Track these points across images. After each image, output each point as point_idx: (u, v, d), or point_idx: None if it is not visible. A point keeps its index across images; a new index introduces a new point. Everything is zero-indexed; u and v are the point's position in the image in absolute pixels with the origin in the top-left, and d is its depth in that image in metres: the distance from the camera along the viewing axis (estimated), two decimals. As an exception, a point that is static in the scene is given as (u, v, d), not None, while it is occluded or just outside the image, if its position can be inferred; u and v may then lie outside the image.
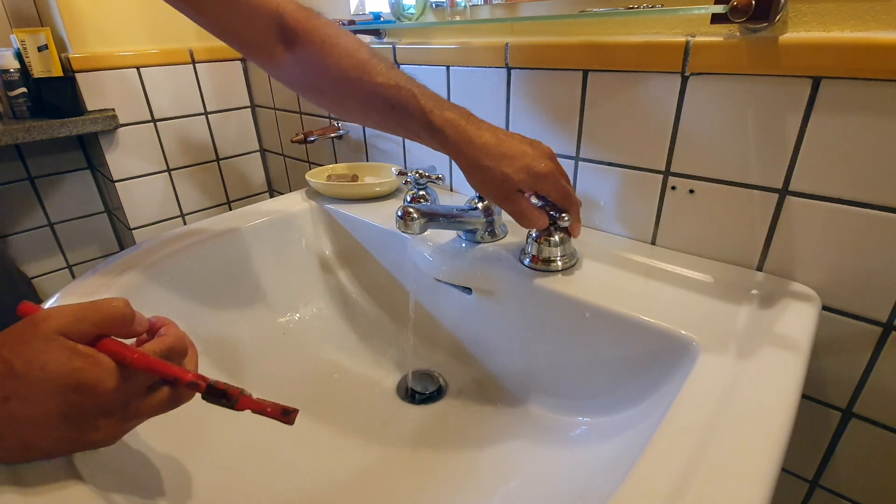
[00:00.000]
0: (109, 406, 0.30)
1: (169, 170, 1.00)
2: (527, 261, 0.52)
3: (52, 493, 0.31)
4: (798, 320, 0.41)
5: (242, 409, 0.33)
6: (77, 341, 0.29)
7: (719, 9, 0.40)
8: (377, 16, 0.70)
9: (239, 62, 1.04)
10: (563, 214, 0.50)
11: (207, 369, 0.56)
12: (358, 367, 0.61)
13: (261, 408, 0.34)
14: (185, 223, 1.05)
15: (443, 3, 0.64)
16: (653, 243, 0.55)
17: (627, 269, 0.50)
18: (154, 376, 0.32)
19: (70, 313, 0.29)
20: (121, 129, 0.92)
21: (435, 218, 0.50)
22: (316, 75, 0.49)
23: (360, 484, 0.46)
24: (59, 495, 0.31)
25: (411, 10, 0.65)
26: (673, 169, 0.50)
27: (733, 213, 0.48)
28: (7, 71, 0.82)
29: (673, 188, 0.51)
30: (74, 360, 0.28)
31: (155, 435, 0.46)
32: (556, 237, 0.50)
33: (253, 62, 0.52)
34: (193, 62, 0.97)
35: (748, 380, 0.35)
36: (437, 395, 0.56)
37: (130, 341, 0.34)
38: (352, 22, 0.72)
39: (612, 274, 0.50)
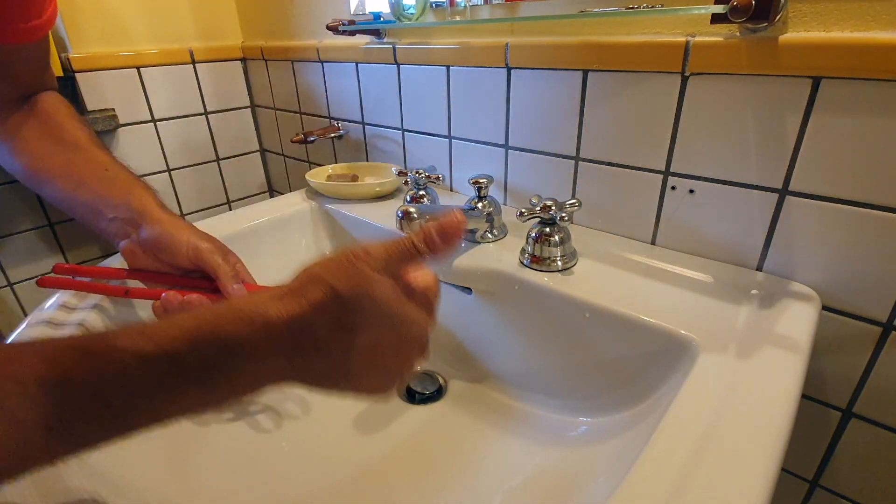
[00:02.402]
0: (426, 339, 0.31)
1: (169, 170, 1.00)
2: (527, 261, 0.52)
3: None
4: (798, 320, 0.41)
5: None
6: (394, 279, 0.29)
7: (719, 9, 0.39)
8: (377, 16, 0.70)
9: (239, 62, 1.04)
10: (563, 214, 0.50)
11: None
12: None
13: None
14: (185, 223, 1.05)
15: (443, 3, 0.64)
16: (653, 243, 0.55)
17: (627, 269, 0.50)
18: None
19: (383, 254, 0.29)
20: (121, 129, 0.92)
21: (435, 218, 0.50)
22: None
23: (360, 484, 0.45)
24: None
25: (411, 10, 0.65)
26: (673, 169, 0.50)
27: (733, 214, 0.48)
28: (7, 71, 0.82)
29: (673, 188, 0.51)
30: (400, 296, 0.29)
31: (155, 432, 0.46)
32: (556, 237, 0.50)
33: None
34: (193, 62, 0.97)
35: (748, 380, 0.35)
36: (437, 395, 0.56)
37: None
38: (352, 22, 0.72)
39: (612, 274, 0.50)
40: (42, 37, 0.48)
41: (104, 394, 0.24)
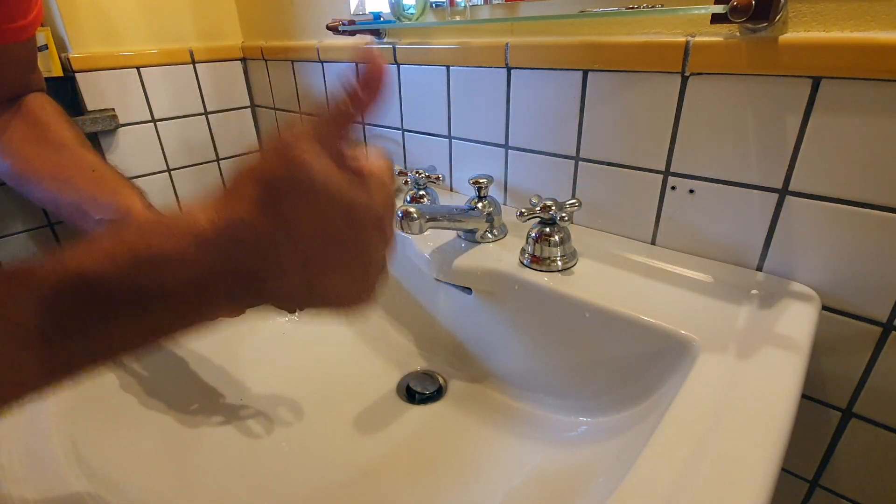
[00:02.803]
0: (386, 226, 0.28)
1: (169, 170, 1.00)
2: (526, 260, 0.52)
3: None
4: (798, 320, 0.41)
5: None
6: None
7: (719, 9, 0.39)
8: (377, 16, 0.70)
9: (239, 62, 1.04)
10: (563, 214, 0.50)
11: (207, 369, 0.56)
12: (358, 367, 0.61)
13: None
14: (185, 223, 1.05)
15: (443, 3, 0.64)
16: (653, 243, 0.55)
17: (627, 269, 0.50)
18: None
19: (311, 131, 0.25)
20: (121, 129, 0.92)
21: (435, 218, 0.50)
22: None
23: (360, 484, 0.45)
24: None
25: (411, 10, 0.65)
26: (673, 169, 0.50)
27: (733, 214, 0.48)
28: (7, 71, 0.82)
29: (673, 188, 0.51)
30: (343, 175, 0.25)
31: (155, 432, 0.46)
32: (556, 237, 0.50)
33: None
34: (193, 62, 0.97)
35: (748, 380, 0.35)
36: (437, 395, 0.56)
37: None
38: (352, 22, 0.72)
39: (612, 274, 0.50)
40: (27, 37, 0.48)
41: (26, 326, 0.21)
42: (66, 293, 0.22)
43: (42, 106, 0.51)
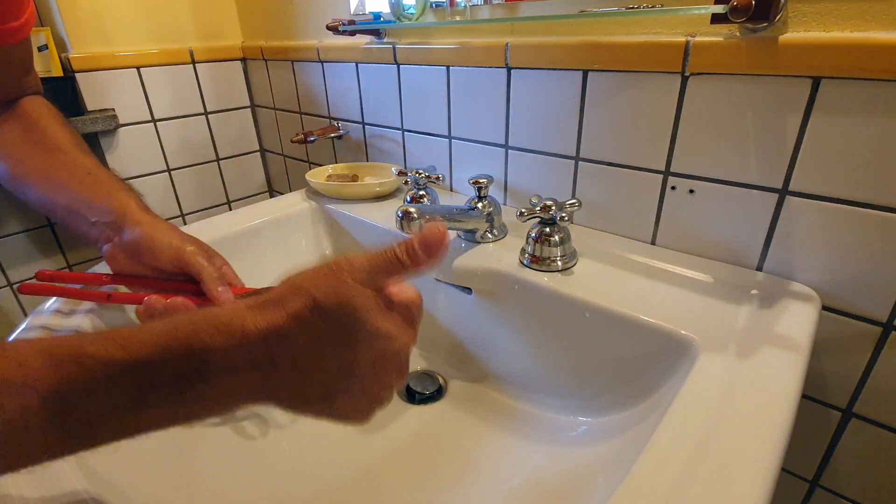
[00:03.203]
0: (405, 357, 0.31)
1: (169, 170, 1.00)
2: (527, 261, 0.52)
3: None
4: (798, 320, 0.41)
5: None
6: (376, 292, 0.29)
7: (719, 9, 0.39)
8: (377, 16, 0.70)
9: (239, 62, 1.04)
10: (563, 214, 0.50)
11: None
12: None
13: None
14: (185, 223, 1.05)
15: (443, 3, 0.64)
16: (653, 243, 0.55)
17: (627, 269, 0.50)
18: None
19: (366, 265, 0.28)
20: (121, 129, 0.92)
21: (435, 218, 0.50)
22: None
23: (360, 484, 0.45)
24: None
25: (411, 10, 0.65)
26: (673, 169, 0.50)
27: (733, 214, 0.48)
28: (7, 71, 0.82)
29: (673, 188, 0.51)
30: (382, 310, 0.28)
31: (155, 434, 0.46)
32: (556, 237, 0.50)
33: None
34: (193, 62, 0.97)
35: (748, 380, 0.35)
36: (437, 395, 0.56)
37: None
38: (352, 22, 0.72)
39: (612, 274, 0.50)
40: (20, 40, 0.48)
41: (70, 401, 0.23)
42: (114, 374, 0.23)
43: (38, 109, 0.51)
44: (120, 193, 0.47)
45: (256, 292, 0.39)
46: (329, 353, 0.27)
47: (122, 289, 0.47)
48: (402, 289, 0.31)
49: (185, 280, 0.45)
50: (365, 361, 0.28)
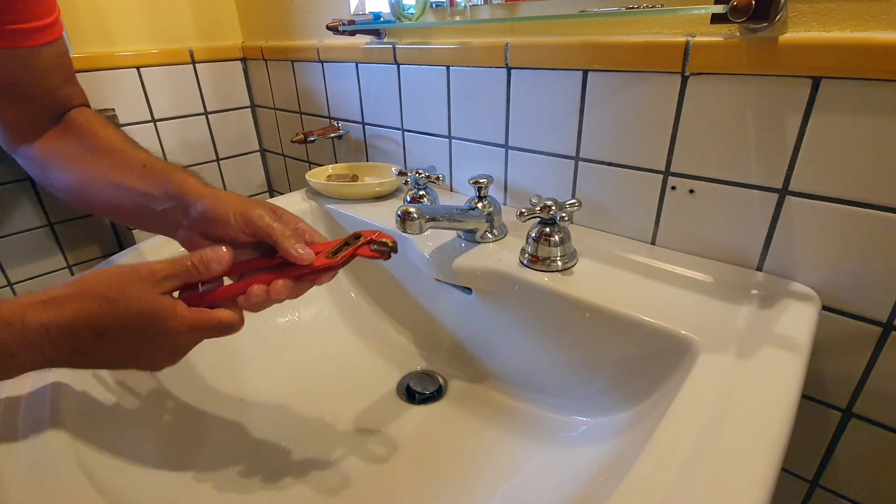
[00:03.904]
0: (180, 346, 0.37)
1: (169, 170, 1.00)
2: (526, 260, 0.52)
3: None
4: (798, 320, 0.41)
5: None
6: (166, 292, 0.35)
7: (719, 9, 0.39)
8: (377, 16, 0.70)
9: (239, 62, 1.04)
10: (563, 214, 0.50)
11: (207, 369, 0.56)
12: (358, 367, 0.61)
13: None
14: (185, 223, 1.05)
15: (443, 3, 0.64)
16: (653, 243, 0.55)
17: (627, 269, 0.50)
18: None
19: (165, 270, 0.35)
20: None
21: (435, 218, 0.50)
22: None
23: (360, 484, 0.45)
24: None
25: (411, 10, 0.65)
26: (673, 169, 0.50)
27: (733, 214, 0.48)
28: (7, 71, 0.82)
29: (673, 188, 0.51)
30: (163, 311, 0.34)
31: (155, 433, 0.46)
32: (556, 237, 0.50)
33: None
34: (193, 62, 0.97)
35: (748, 380, 0.35)
36: (437, 395, 0.56)
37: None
38: (352, 22, 0.72)
39: (612, 274, 0.50)
40: (45, 42, 0.47)
41: None
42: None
43: (88, 118, 0.50)
44: (176, 176, 0.46)
45: (344, 242, 0.41)
46: (107, 347, 0.33)
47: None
48: (215, 312, 0.37)
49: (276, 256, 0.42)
50: (141, 350, 0.35)
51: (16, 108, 0.47)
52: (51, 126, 0.49)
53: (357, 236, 0.42)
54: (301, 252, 0.40)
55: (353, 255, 0.40)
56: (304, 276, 0.40)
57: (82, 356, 0.33)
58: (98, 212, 0.49)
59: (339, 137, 0.88)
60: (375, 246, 0.41)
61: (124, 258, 0.57)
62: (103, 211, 0.48)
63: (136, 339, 0.34)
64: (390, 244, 0.41)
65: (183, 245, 0.44)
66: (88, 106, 0.53)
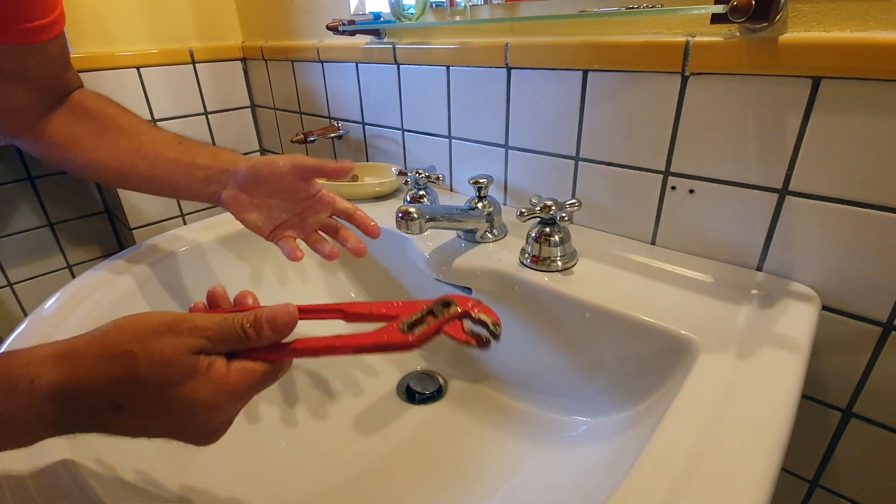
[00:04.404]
0: (219, 427, 0.30)
1: (169, 170, 1.00)
2: (527, 260, 0.52)
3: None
4: (798, 320, 0.41)
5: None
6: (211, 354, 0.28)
7: (719, 9, 0.39)
8: (377, 16, 0.70)
9: (239, 62, 1.04)
10: (563, 214, 0.50)
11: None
12: (358, 367, 0.61)
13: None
14: (185, 223, 1.05)
15: (443, 3, 0.64)
16: (653, 243, 0.55)
17: (627, 269, 0.50)
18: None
19: (209, 332, 0.28)
20: (121, 129, 0.92)
21: (435, 218, 0.50)
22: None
23: (360, 484, 0.45)
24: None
25: (411, 10, 0.65)
26: (673, 169, 0.50)
27: (733, 213, 0.48)
28: (7, 71, 0.82)
29: (673, 188, 0.51)
30: (203, 387, 0.27)
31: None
32: (556, 237, 0.50)
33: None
34: (193, 62, 0.97)
35: (748, 380, 0.35)
36: (437, 395, 0.56)
37: None
38: (352, 22, 0.73)
39: (612, 274, 0.50)
40: (51, 37, 0.48)
41: None
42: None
43: (97, 100, 0.52)
44: (221, 149, 0.50)
45: (428, 310, 0.32)
46: (124, 421, 0.27)
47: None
48: (245, 364, 0.29)
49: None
50: (164, 426, 0.28)
51: (21, 95, 0.48)
52: (53, 109, 0.49)
53: (446, 303, 0.31)
54: (372, 224, 0.49)
55: (436, 332, 0.30)
56: (366, 351, 0.32)
57: (102, 427, 0.27)
58: (127, 184, 0.51)
59: (339, 137, 0.88)
60: (471, 325, 0.30)
61: (124, 258, 0.57)
62: (135, 183, 0.50)
63: (159, 413, 0.27)
64: (491, 326, 0.30)
65: (227, 205, 0.48)
66: (83, 87, 0.54)
